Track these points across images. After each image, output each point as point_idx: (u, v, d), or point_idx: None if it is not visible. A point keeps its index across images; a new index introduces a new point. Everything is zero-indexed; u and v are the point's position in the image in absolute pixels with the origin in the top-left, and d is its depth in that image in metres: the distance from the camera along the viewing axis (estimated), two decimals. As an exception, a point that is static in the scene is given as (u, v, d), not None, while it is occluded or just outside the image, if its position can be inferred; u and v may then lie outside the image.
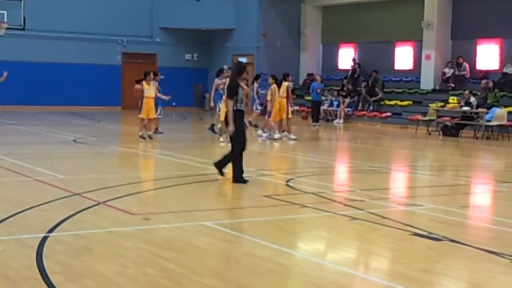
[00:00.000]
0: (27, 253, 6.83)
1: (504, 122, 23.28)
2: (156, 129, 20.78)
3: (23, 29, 29.92)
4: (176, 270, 6.47)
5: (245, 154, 11.64)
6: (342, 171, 15.44)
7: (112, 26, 33.58)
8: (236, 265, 6.73)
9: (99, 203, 9.50)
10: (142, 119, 19.09)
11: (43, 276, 6.04)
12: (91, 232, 7.96)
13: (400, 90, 29.52)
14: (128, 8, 33.96)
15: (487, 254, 7.34)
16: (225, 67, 20.62)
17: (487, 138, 22.99)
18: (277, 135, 19.81)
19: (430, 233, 8.20)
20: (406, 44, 30.48)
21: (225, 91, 17.54)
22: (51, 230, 7.76)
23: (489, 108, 23.70)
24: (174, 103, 35.21)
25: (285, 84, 20.23)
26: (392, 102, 29.04)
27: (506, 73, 26.01)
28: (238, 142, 11.68)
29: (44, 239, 7.35)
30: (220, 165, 11.90)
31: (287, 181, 12.21)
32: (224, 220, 8.75)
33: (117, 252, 7.12)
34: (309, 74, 32.35)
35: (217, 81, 19.42)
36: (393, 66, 30.79)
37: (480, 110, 23.64)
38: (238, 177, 11.59)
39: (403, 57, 30.66)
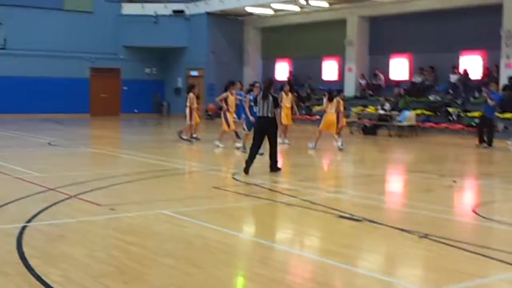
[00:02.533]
0: (8, 240, 6.68)
1: (413, 122, 23.72)
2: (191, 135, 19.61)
3: (4, 48, 29.50)
4: (138, 252, 6.41)
5: (199, 153, 11.57)
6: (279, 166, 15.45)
7: (82, 45, 33.10)
8: (190, 246, 6.69)
9: (71, 197, 9.35)
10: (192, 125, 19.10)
11: (23, 260, 5.92)
12: (65, 221, 7.82)
13: (327, 97, 29.68)
14: (95, 30, 33.47)
15: (399, 232, 7.46)
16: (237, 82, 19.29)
17: (399, 136, 23.37)
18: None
19: (353, 215, 8.29)
20: (332, 59, 30.74)
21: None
22: (29, 221, 7.60)
23: (400, 111, 24.13)
24: (136, 110, 35.05)
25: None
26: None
27: (415, 82, 26.49)
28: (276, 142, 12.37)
29: (23, 228, 7.20)
30: (274, 167, 12.29)
31: (233, 174, 12.20)
32: (180, 208, 8.69)
33: (87, 238, 7.02)
34: (251, 85, 32.30)
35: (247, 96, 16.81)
36: (322, 77, 31.05)
37: (393, 113, 24.07)
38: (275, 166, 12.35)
39: (330, 69, 30.92)
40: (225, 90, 17.72)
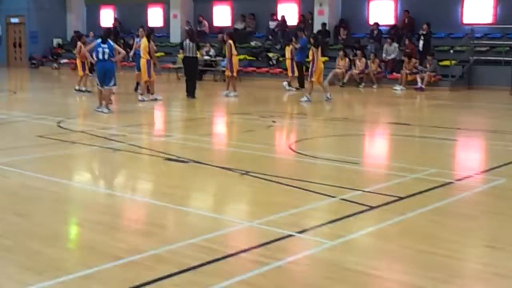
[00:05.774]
0: None
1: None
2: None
3: None
4: (-42, 205, 6.02)
5: (22, 102, 10.94)
6: (105, 112, 15.08)
7: None
8: (15, 197, 6.39)
9: None
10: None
11: None
12: None
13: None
14: None
15: (223, 170, 7.67)
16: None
17: (224, 81, 23.65)
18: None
19: (179, 157, 8.38)
20: (157, 6, 30.21)
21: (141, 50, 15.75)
22: None
23: (224, 56, 24.36)
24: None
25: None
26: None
27: (237, 29, 26.86)
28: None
29: None
30: (192, 94, 16.74)
31: (59, 122, 11.72)
32: (2, 158, 8.22)
33: None
34: (75, 32, 30.95)
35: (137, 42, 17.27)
36: (147, 24, 30.42)
37: (218, 58, 24.29)
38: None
39: (155, 16, 30.41)
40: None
